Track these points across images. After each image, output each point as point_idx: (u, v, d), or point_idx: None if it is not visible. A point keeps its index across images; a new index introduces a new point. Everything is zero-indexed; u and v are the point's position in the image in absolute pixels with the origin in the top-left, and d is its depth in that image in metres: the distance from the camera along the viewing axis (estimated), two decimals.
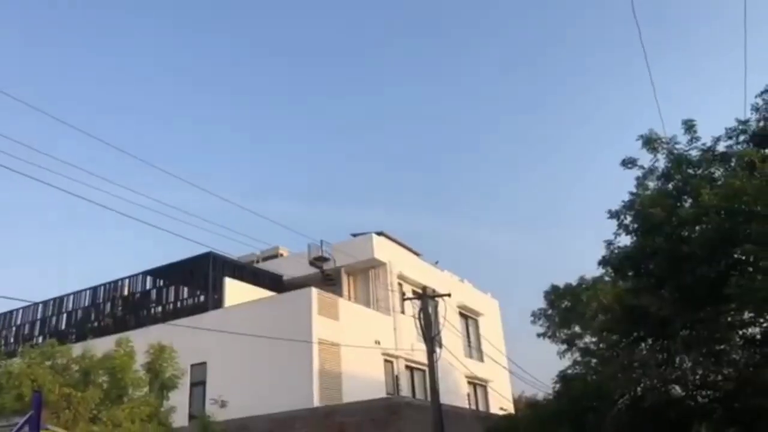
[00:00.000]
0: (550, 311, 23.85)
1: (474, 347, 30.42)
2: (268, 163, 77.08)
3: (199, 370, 20.14)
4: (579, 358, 21.40)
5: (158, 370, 14.57)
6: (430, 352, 16.09)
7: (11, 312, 27.07)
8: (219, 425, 14.57)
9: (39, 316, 26.45)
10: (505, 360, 30.20)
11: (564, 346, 22.37)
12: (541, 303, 24.06)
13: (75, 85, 68.21)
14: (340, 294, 23.52)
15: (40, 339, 24.72)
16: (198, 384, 20.02)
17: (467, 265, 78.42)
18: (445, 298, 17.81)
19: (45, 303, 26.26)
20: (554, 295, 23.46)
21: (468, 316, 30.78)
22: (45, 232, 67.54)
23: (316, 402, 18.08)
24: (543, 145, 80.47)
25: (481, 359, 30.31)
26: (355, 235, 26.49)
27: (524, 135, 79.08)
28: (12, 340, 26.40)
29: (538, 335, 23.95)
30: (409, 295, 22.82)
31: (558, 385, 14.96)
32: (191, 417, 19.15)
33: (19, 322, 26.86)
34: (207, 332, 18.20)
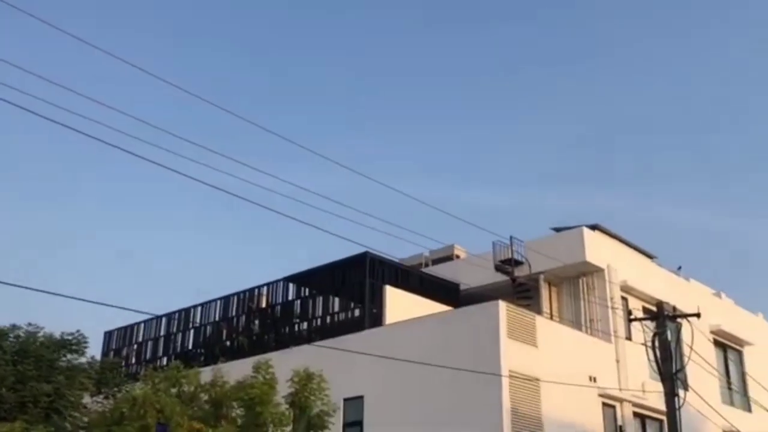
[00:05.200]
0: None
1: (736, 390, 28.76)
2: (438, 139, 78.09)
3: (355, 407, 20.99)
4: None
5: (304, 405, 15.48)
6: (671, 395, 15.53)
7: (132, 326, 30.19)
8: None
9: (162, 332, 29.22)
10: None
11: None
12: None
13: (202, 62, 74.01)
14: (538, 311, 23.34)
15: (164, 360, 27.31)
16: (353, 424, 20.90)
17: (727, 273, 73.74)
18: (693, 319, 17.04)
19: (169, 316, 28.93)
20: None
21: (727, 346, 29.27)
22: (162, 223, 74.17)
23: None
24: None
25: (747, 408, 28.59)
26: (558, 230, 26.10)
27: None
28: (133, 360, 29.42)
29: None
30: (639, 314, 22.08)
31: None
32: None
33: (140, 338, 29.88)
34: (365, 357, 18.92)
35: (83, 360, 20.11)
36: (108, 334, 30.85)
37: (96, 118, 10.54)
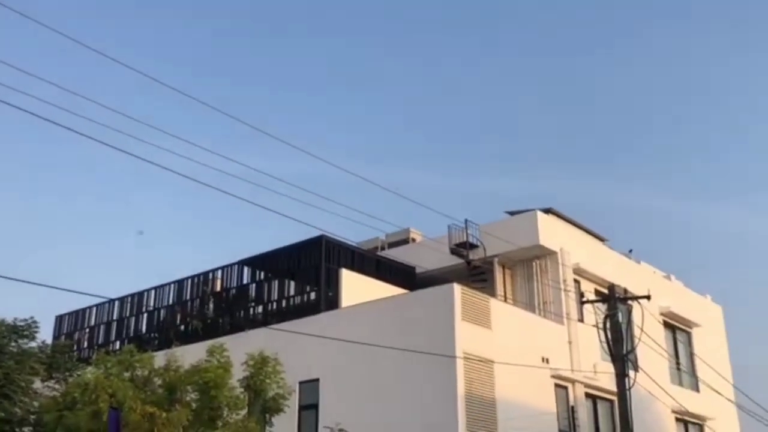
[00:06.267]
0: None
1: (685, 370, 29.37)
2: (392, 122, 78.08)
3: (311, 389, 21.04)
4: None
5: (260, 388, 15.44)
6: (621, 376, 15.79)
7: (84, 310, 29.78)
8: None
9: (115, 316, 28.86)
10: (731, 390, 28.88)
11: None
12: None
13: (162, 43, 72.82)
14: (492, 293, 23.55)
15: (117, 344, 27.01)
16: (309, 407, 20.95)
17: (677, 256, 75.15)
18: (643, 300, 17.32)
19: (122, 300, 28.60)
20: None
21: (676, 328, 29.83)
22: (112, 206, 73.08)
23: None
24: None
25: (695, 388, 29.24)
26: (512, 213, 26.29)
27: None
28: (85, 344, 29.04)
29: None
30: (591, 296, 22.39)
31: None
32: None
33: (92, 322, 29.48)
34: (320, 340, 18.94)
35: (34, 344, 19.81)
36: (59, 318, 30.37)
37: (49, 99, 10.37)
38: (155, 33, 73.38)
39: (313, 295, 23.75)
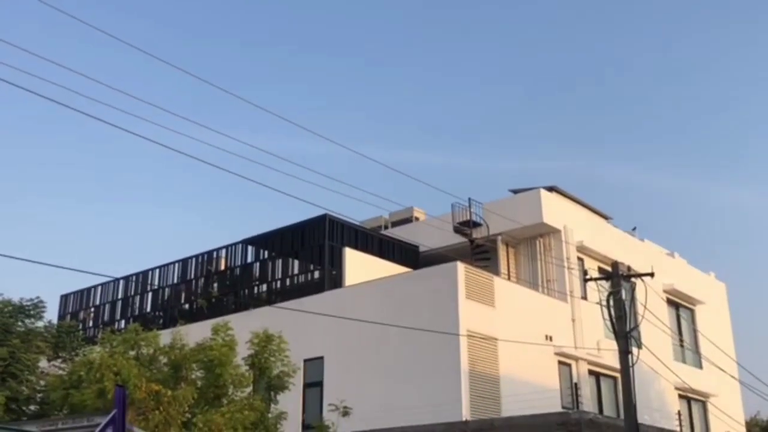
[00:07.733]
0: None
1: (688, 348, 29.42)
2: (396, 101, 77.78)
3: (315, 367, 21.15)
4: None
5: (264, 366, 15.50)
6: (624, 353, 15.80)
7: (89, 290, 29.91)
8: None
9: (120, 295, 29.01)
10: (734, 367, 28.96)
11: None
12: None
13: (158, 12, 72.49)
14: (495, 272, 23.58)
15: (122, 323, 27.15)
16: (313, 385, 21.08)
17: (681, 234, 75.19)
18: (647, 278, 17.28)
19: (126, 279, 28.73)
20: None
21: (680, 305, 29.84)
22: (116, 186, 73.13)
23: (466, 414, 18.41)
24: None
25: (698, 365, 29.30)
26: (515, 192, 26.25)
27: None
28: (90, 323, 29.19)
29: None
30: (594, 273, 22.40)
31: None
32: (305, 427, 20.26)
33: (98, 301, 29.64)
34: (324, 319, 19.00)
35: (40, 324, 19.92)
36: (64, 298, 30.52)
37: (52, 79, 10.34)
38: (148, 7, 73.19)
39: (316, 274, 23.82)
